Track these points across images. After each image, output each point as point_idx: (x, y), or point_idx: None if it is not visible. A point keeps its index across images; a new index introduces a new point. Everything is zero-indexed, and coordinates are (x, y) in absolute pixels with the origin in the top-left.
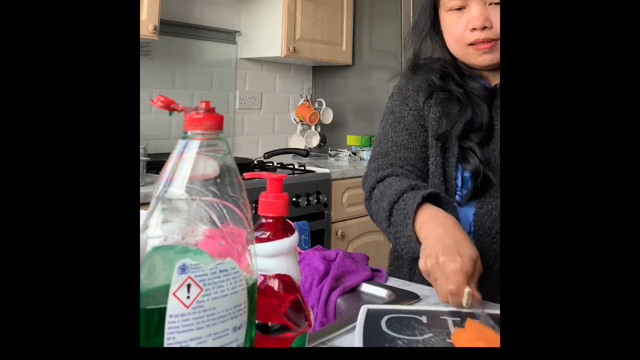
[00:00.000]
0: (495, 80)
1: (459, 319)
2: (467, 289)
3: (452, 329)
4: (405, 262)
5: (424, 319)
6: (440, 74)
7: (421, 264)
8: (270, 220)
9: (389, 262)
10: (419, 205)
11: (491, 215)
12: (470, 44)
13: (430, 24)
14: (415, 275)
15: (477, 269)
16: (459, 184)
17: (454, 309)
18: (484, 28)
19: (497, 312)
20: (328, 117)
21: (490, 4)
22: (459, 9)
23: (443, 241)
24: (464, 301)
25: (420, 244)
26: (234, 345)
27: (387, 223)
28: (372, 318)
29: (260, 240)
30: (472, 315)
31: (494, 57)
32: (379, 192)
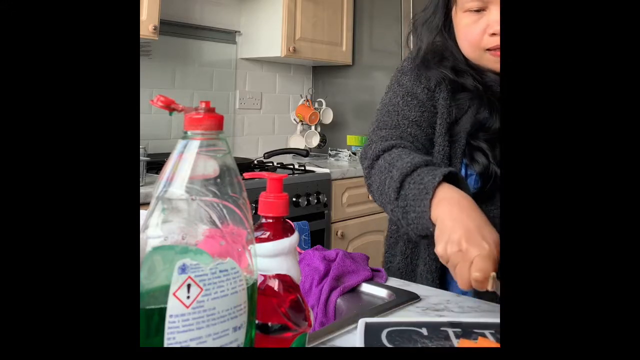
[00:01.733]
0: None
1: (459, 330)
2: (492, 273)
3: (454, 340)
4: (399, 248)
5: (424, 331)
6: (453, 68)
7: (439, 249)
8: (270, 220)
9: (385, 248)
10: (439, 183)
11: (494, 223)
12: (488, 49)
13: (442, 22)
14: (416, 273)
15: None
16: None
17: (452, 319)
18: None
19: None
20: (328, 117)
21: None
22: (477, 11)
23: (465, 224)
24: (489, 285)
25: (432, 223)
26: (234, 345)
27: (395, 195)
28: (372, 332)
29: (260, 240)
30: (475, 326)
31: None
32: (385, 162)
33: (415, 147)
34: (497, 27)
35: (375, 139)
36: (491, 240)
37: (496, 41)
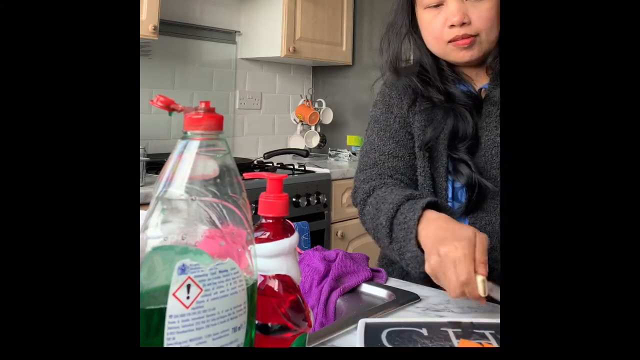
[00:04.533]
0: (480, 81)
1: (460, 330)
2: (479, 277)
3: (454, 340)
4: (397, 268)
5: (424, 331)
6: (421, 78)
7: (427, 267)
8: (270, 221)
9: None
10: (419, 217)
11: (485, 231)
12: (450, 41)
13: (409, 23)
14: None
15: (480, 244)
16: (450, 195)
17: (452, 319)
18: (463, 24)
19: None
20: (328, 117)
21: None
22: (436, 6)
23: (437, 236)
24: (480, 290)
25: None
26: (234, 345)
27: (388, 240)
28: (372, 332)
29: (260, 240)
30: (475, 326)
31: (473, 53)
32: (373, 208)
33: (396, 179)
34: (454, 19)
35: (357, 184)
36: (463, 239)
37: (455, 32)
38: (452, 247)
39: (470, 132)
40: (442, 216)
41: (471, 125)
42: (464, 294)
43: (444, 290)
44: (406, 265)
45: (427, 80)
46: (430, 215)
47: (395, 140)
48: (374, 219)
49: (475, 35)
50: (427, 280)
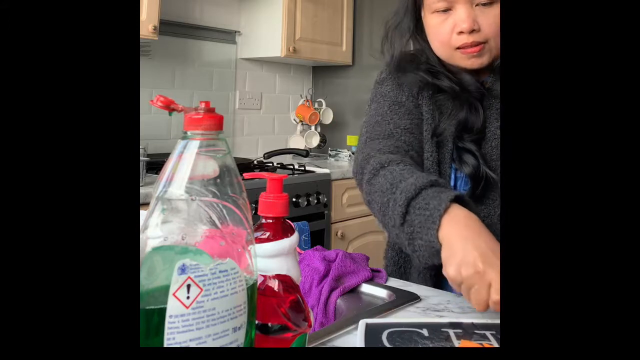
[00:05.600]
0: (481, 74)
1: (460, 331)
2: None
3: (454, 340)
4: (391, 258)
5: (425, 332)
6: (428, 71)
7: (451, 272)
8: (270, 221)
9: (385, 263)
10: (446, 209)
11: (484, 223)
12: (458, 48)
13: (414, 26)
14: (410, 277)
15: None
16: (452, 184)
17: (453, 320)
18: (472, 31)
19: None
20: (328, 117)
21: (477, 4)
22: (444, 11)
23: (476, 244)
24: None
25: (440, 246)
26: (234, 345)
27: (400, 220)
28: (372, 333)
29: (260, 240)
30: (476, 327)
31: (482, 61)
32: (386, 182)
33: (411, 156)
34: (463, 26)
35: (371, 152)
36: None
37: (463, 39)
38: (494, 266)
39: (479, 126)
40: (474, 217)
41: (481, 118)
42: (488, 308)
43: (446, 290)
44: (412, 251)
45: (435, 72)
46: (458, 211)
47: (411, 117)
48: (386, 192)
49: (485, 42)
50: (428, 270)
